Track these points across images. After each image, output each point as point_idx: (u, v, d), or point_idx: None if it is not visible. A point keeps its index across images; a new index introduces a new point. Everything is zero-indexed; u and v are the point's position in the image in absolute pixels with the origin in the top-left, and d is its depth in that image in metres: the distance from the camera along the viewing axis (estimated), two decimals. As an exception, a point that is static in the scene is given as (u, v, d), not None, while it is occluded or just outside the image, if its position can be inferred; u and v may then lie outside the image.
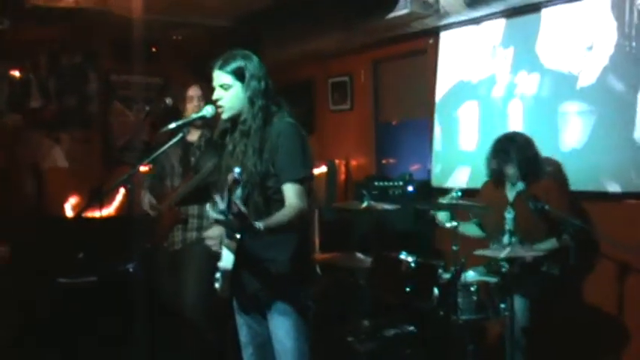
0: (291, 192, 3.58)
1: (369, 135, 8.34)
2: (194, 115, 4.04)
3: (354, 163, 8.55)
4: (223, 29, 8.31)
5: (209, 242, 3.85)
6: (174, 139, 4.04)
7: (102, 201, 4.48)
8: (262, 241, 3.59)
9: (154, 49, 9.01)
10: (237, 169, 3.23)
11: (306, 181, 3.65)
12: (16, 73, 8.71)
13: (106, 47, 9.12)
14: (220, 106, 3.72)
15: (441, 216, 5.42)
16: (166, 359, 5.69)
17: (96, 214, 6.88)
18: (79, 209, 8.66)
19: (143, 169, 6.16)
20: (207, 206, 3.21)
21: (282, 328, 3.73)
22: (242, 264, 3.62)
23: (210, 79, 3.79)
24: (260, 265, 3.68)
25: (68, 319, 6.41)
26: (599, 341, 5.61)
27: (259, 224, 3.31)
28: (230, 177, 3.23)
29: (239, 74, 3.68)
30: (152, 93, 9.39)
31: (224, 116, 3.74)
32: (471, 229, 5.71)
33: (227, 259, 3.61)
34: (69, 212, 8.76)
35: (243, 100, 3.69)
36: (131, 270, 4.00)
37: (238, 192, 3.22)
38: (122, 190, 8.09)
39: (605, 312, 5.55)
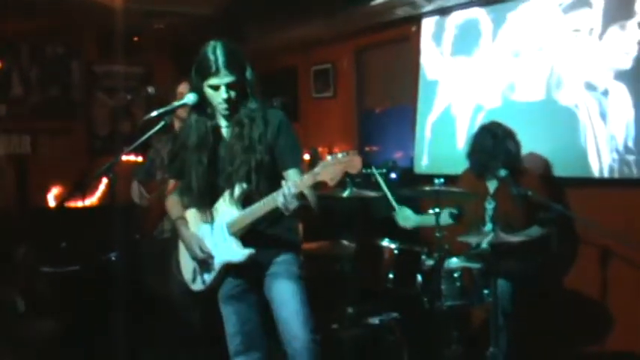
0: (297, 176, 3.65)
1: (352, 122, 8.34)
2: (176, 103, 4.02)
3: (336, 150, 8.51)
4: (206, 18, 8.28)
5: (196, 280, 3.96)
6: (156, 128, 4.02)
7: (84, 191, 4.45)
8: (268, 221, 3.76)
9: (136, 39, 8.98)
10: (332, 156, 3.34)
11: (303, 167, 3.81)
12: (-2, 64, 8.67)
13: (89, 37, 9.08)
14: (231, 103, 3.72)
15: (405, 213, 5.48)
16: (149, 350, 5.70)
17: (78, 203, 6.88)
18: (62, 199, 8.64)
19: (133, 159, 6.15)
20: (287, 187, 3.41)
21: (288, 290, 3.80)
22: (251, 244, 3.71)
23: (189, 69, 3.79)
24: (268, 237, 3.80)
25: (50, 307, 6.39)
26: (583, 326, 5.64)
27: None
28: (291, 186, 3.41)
29: (243, 70, 3.72)
30: (134, 82, 9.36)
31: (228, 112, 3.76)
32: (443, 218, 5.69)
33: (232, 249, 3.70)
34: (51, 202, 8.73)
35: (245, 92, 3.74)
36: (113, 259, 3.98)
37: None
38: (105, 180, 8.07)
39: (588, 297, 5.58)
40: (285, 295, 3.79)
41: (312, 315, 3.82)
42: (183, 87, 5.53)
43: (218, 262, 3.76)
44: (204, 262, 3.83)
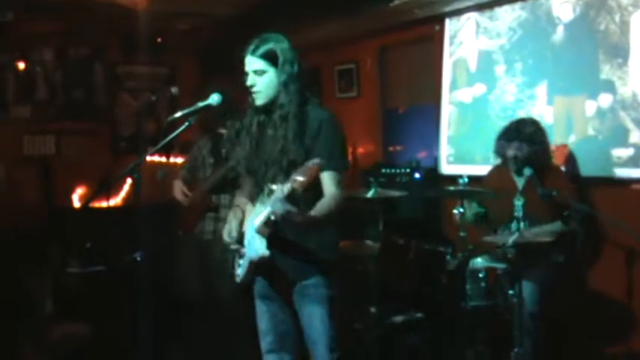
0: (331, 181, 3.59)
1: (376, 122, 8.32)
2: (200, 104, 4.03)
3: (360, 150, 8.53)
4: (229, 18, 8.29)
5: (232, 247, 3.84)
6: (181, 128, 4.03)
7: (109, 191, 4.47)
8: (297, 229, 3.60)
9: (159, 40, 9.01)
10: (317, 160, 3.23)
11: (344, 171, 3.68)
12: (22, 66, 8.71)
13: (112, 39, 9.12)
14: (255, 92, 3.68)
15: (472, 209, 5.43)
16: (176, 349, 5.72)
17: (103, 204, 6.91)
18: (87, 199, 8.69)
19: (158, 159, 6.22)
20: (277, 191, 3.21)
21: (316, 314, 3.73)
22: (278, 250, 3.61)
23: (218, 68, 3.78)
24: (300, 252, 3.68)
25: (76, 308, 6.42)
26: (608, 327, 5.60)
27: (308, 214, 3.35)
28: (311, 168, 3.20)
29: (272, 59, 3.63)
30: (158, 83, 9.40)
31: (258, 102, 3.69)
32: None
33: (255, 247, 3.58)
34: (76, 203, 8.78)
35: (278, 85, 3.64)
36: (138, 260, 3.99)
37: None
38: (129, 180, 8.11)
39: (613, 298, 5.54)
40: (312, 319, 3.74)
41: (334, 334, 3.77)
42: None
43: (246, 257, 3.73)
44: (242, 257, 3.78)
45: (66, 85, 8.98)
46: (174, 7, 7.97)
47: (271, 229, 3.50)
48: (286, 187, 3.17)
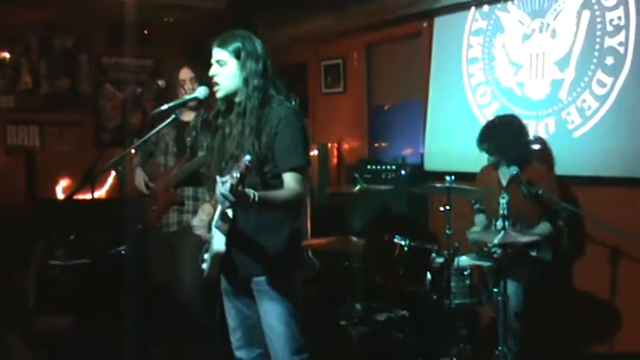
0: (290, 179, 3.60)
1: (362, 118, 8.31)
2: (187, 97, 4.02)
3: (346, 146, 8.52)
4: (215, 11, 8.26)
5: (197, 231, 3.83)
6: (167, 121, 4.01)
7: (93, 183, 4.44)
8: (255, 225, 3.65)
9: (145, 32, 8.96)
10: (248, 157, 3.20)
11: (305, 169, 3.67)
12: (7, 55, 8.65)
13: (98, 29, 9.06)
14: (216, 84, 3.71)
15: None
16: (157, 342, 5.69)
17: (87, 196, 6.83)
18: (71, 191, 8.64)
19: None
20: (219, 186, 3.16)
21: (272, 313, 3.73)
22: (234, 247, 3.62)
23: (202, 61, 3.77)
24: (252, 249, 3.68)
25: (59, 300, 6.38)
26: (592, 325, 5.62)
27: (253, 192, 3.29)
28: (242, 164, 3.18)
29: (236, 52, 3.66)
30: (144, 75, 9.35)
31: (218, 95, 3.73)
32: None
33: (218, 242, 3.58)
34: (60, 195, 8.73)
35: (239, 80, 3.67)
36: (123, 252, 3.97)
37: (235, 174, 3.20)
38: (113, 173, 8.06)
39: (597, 296, 5.56)
40: (268, 317, 3.74)
41: (296, 336, 3.76)
42: (184, 73, 5.48)
43: (209, 252, 3.69)
44: (207, 251, 3.76)
45: (50, 76, 8.91)
46: (161, -2, 7.95)
47: (228, 224, 3.52)
48: (227, 181, 3.14)
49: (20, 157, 8.51)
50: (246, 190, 3.25)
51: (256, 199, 3.28)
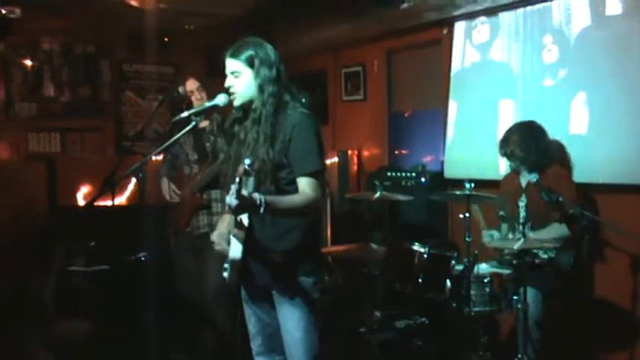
0: (304, 184, 3.59)
1: (382, 125, 8.30)
2: (207, 104, 4.01)
3: (366, 153, 8.52)
4: (236, 18, 8.28)
5: (217, 247, 3.84)
6: (187, 128, 4.02)
7: (114, 190, 4.46)
8: (272, 232, 3.66)
9: (166, 39, 9.00)
10: (247, 161, 3.22)
11: (320, 174, 3.65)
12: (29, 63, 8.72)
13: (119, 37, 9.11)
14: (232, 94, 3.72)
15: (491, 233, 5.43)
16: (177, 348, 5.69)
17: (108, 203, 6.87)
18: (91, 198, 8.68)
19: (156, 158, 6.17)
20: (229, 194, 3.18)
21: (291, 319, 3.74)
22: (251, 254, 3.63)
23: (221, 69, 3.78)
24: (269, 256, 3.69)
25: (79, 307, 6.41)
26: (612, 334, 5.58)
27: (260, 196, 3.29)
28: (241, 168, 3.21)
29: (249, 61, 3.66)
30: (164, 82, 9.39)
31: (236, 103, 3.74)
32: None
33: (236, 249, 3.59)
34: (81, 201, 8.78)
35: (254, 88, 3.67)
36: (143, 259, 3.98)
37: (250, 182, 3.22)
38: (134, 180, 8.09)
39: (618, 305, 5.52)
40: (288, 322, 3.75)
41: (315, 343, 3.77)
42: (190, 84, 5.60)
43: (229, 260, 3.68)
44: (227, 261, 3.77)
45: (72, 83, 8.99)
46: (182, 6, 7.97)
47: (244, 232, 3.53)
48: (233, 186, 3.15)
49: (41, 163, 8.57)
50: (254, 194, 3.26)
51: (263, 202, 3.29)
